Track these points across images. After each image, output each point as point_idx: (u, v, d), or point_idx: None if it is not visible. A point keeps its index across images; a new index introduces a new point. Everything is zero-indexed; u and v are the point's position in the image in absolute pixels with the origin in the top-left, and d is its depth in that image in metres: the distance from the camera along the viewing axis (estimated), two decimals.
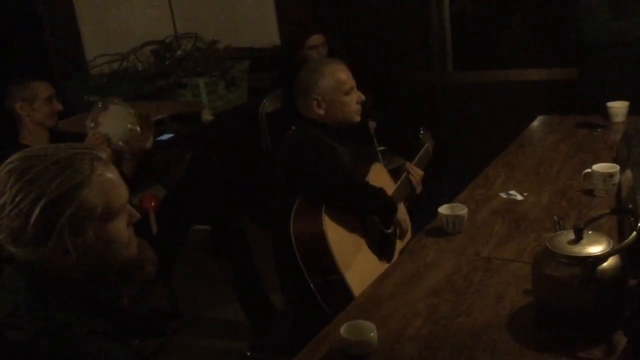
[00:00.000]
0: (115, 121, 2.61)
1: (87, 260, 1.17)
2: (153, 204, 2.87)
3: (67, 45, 3.75)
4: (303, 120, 2.33)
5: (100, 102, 2.69)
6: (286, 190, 2.21)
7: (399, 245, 2.37)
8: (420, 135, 2.70)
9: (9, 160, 1.16)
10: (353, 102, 2.32)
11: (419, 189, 2.47)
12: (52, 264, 1.15)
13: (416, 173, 2.47)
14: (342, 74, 2.29)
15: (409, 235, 2.48)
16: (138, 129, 2.65)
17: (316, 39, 3.48)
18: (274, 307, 2.95)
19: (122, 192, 1.21)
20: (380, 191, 2.23)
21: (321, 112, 2.28)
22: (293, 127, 2.34)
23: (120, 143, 2.58)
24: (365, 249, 2.22)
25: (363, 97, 2.35)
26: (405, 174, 2.45)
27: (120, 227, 1.21)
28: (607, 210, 1.62)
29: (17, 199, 1.10)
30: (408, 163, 2.53)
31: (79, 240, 1.14)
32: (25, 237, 1.11)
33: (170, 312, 3.17)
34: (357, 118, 2.35)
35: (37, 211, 1.10)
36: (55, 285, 1.15)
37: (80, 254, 1.15)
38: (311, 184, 2.12)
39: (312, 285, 2.06)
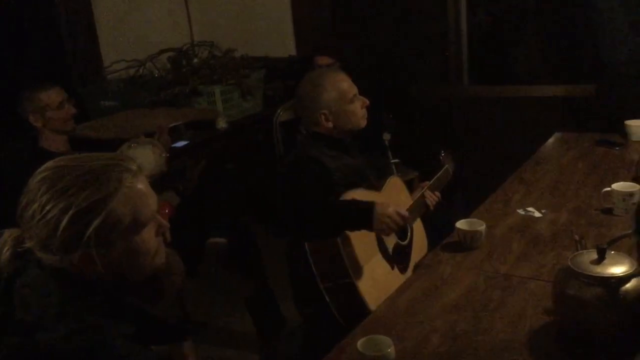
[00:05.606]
0: (144, 161, 2.69)
1: (113, 270, 1.17)
2: (167, 211, 2.86)
3: (85, 50, 3.77)
4: (308, 134, 2.33)
5: (128, 144, 2.80)
6: None
7: (415, 257, 2.35)
8: (441, 157, 2.69)
9: (43, 168, 1.17)
10: (358, 109, 2.32)
11: (432, 210, 2.46)
12: (79, 270, 1.15)
13: (432, 198, 2.46)
14: (343, 84, 2.29)
15: (425, 249, 2.47)
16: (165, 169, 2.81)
17: (323, 59, 3.49)
18: (284, 319, 2.93)
19: (150, 202, 1.21)
20: (351, 204, 2.12)
21: (330, 124, 2.27)
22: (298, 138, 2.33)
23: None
24: (378, 257, 2.19)
25: (367, 102, 2.35)
26: (420, 194, 2.43)
27: (148, 238, 1.21)
28: (629, 231, 1.60)
29: (47, 208, 1.12)
30: (425, 182, 2.51)
31: (106, 251, 1.15)
32: (54, 246, 1.13)
33: (183, 321, 3.16)
34: (364, 123, 2.35)
35: (65, 221, 1.11)
36: (84, 288, 1.16)
37: (107, 265, 1.15)
38: (283, 212, 2.11)
39: (322, 289, 2.04)
